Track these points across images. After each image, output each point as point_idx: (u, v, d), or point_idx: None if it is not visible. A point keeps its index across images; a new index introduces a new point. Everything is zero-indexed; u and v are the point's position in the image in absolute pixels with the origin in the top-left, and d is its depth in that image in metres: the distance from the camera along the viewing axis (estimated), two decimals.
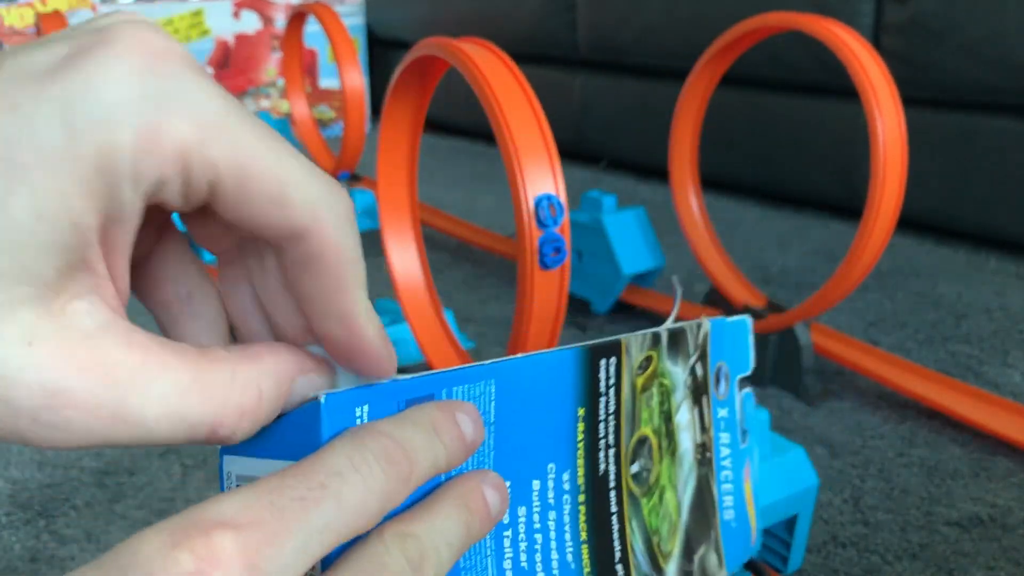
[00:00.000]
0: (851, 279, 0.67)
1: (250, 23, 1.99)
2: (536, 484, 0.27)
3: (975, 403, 0.69)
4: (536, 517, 0.27)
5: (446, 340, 0.69)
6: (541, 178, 0.49)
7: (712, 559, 0.35)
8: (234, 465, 0.22)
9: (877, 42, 1.17)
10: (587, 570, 0.29)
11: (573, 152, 1.71)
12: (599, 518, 0.29)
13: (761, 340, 0.77)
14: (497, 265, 1.13)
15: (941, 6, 1.10)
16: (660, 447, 0.32)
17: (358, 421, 0.21)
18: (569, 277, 0.51)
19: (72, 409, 0.17)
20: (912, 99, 1.02)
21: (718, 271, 0.85)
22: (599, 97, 1.65)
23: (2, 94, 0.16)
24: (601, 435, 0.29)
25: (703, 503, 0.35)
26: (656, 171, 1.52)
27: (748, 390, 0.39)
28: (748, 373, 0.38)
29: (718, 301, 0.85)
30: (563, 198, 0.50)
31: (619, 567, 0.30)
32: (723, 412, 0.37)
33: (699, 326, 0.35)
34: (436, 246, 1.20)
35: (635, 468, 0.31)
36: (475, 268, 1.12)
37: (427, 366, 0.70)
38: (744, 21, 0.74)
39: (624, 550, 0.30)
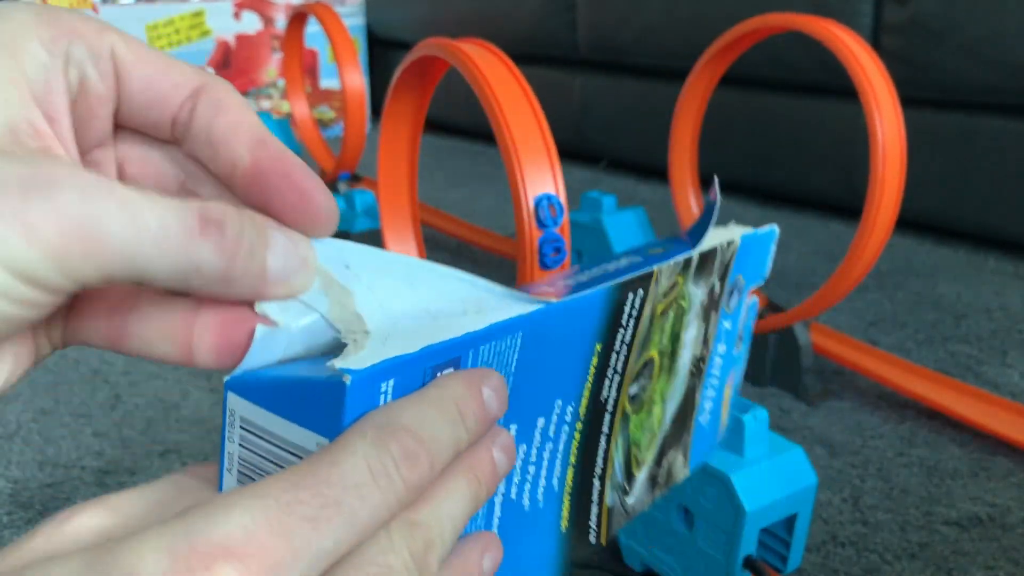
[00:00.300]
0: (851, 279, 0.68)
1: (251, 24, 2.00)
2: (541, 422, 0.26)
3: (974, 403, 0.69)
4: (534, 453, 0.26)
5: None
6: (541, 178, 0.50)
7: (679, 461, 0.36)
8: (240, 406, 0.20)
9: (877, 42, 1.17)
10: (568, 490, 0.28)
11: (573, 152, 1.71)
12: (590, 441, 0.29)
13: (761, 340, 0.77)
14: (497, 265, 1.13)
15: (941, 6, 1.10)
16: (661, 366, 0.32)
17: (382, 399, 0.20)
18: None
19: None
20: (912, 99, 1.02)
21: None
22: (599, 97, 1.65)
23: None
24: (611, 364, 0.29)
25: (685, 411, 0.35)
26: (656, 171, 1.52)
27: (755, 298, 0.39)
28: (762, 283, 0.38)
29: None
30: (563, 198, 0.50)
31: (596, 482, 0.30)
32: (727, 324, 0.37)
33: (730, 244, 0.35)
34: (436, 246, 1.20)
35: (634, 390, 0.31)
36: (475, 268, 1.12)
37: None
38: (744, 21, 0.75)
39: (605, 467, 0.30)
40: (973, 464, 0.64)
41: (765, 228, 0.37)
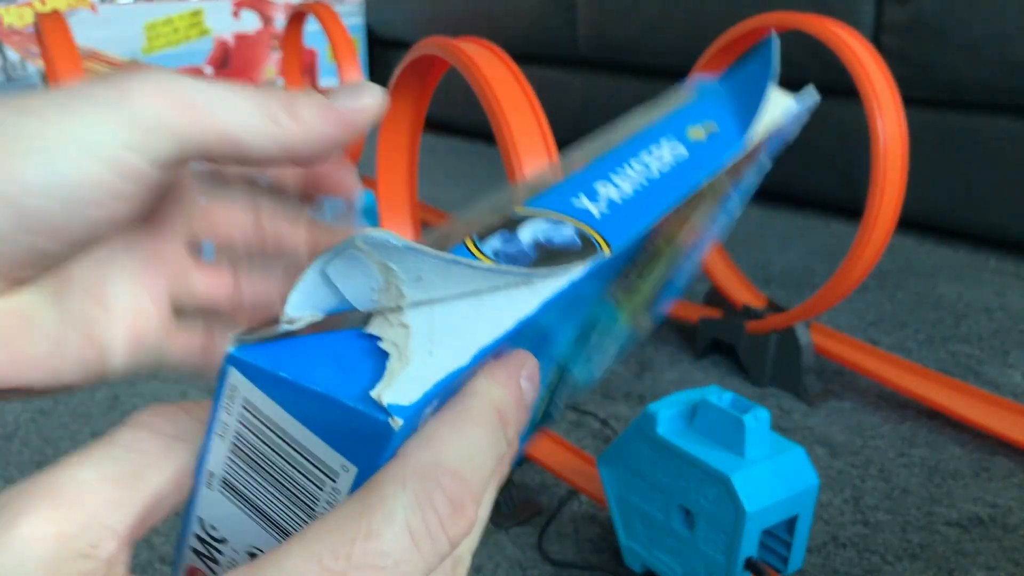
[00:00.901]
0: (851, 279, 0.67)
1: (250, 23, 1.99)
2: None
3: (975, 403, 0.69)
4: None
5: None
6: None
7: (646, 319, 0.30)
8: (245, 388, 0.18)
9: (877, 42, 1.17)
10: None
11: None
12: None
13: (761, 340, 0.77)
14: None
15: (941, 6, 1.10)
16: (659, 259, 0.27)
17: (425, 417, 0.18)
18: None
19: None
20: (912, 99, 1.02)
21: (718, 271, 0.85)
22: (599, 97, 1.64)
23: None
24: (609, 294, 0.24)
25: (663, 279, 0.30)
26: None
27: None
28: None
29: (718, 301, 0.85)
30: None
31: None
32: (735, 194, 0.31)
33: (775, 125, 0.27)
34: None
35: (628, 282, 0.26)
36: None
37: None
38: (744, 21, 0.74)
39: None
40: (974, 464, 0.64)
41: (805, 97, 0.29)
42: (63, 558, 0.17)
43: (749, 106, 0.28)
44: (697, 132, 0.27)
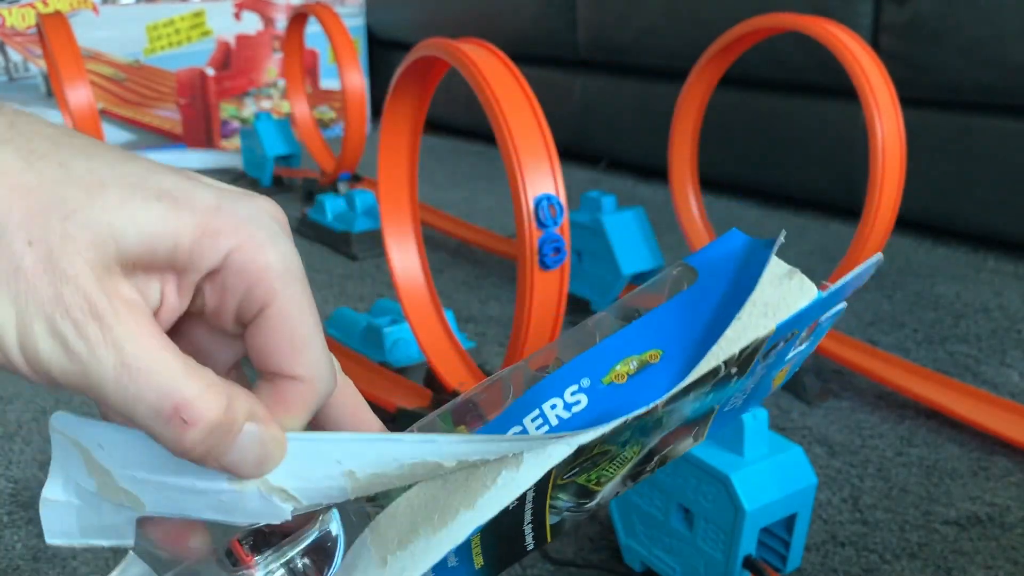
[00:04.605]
0: None
1: (251, 24, 2.00)
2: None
3: (973, 403, 0.69)
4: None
5: (446, 340, 0.69)
6: (541, 178, 0.50)
7: (683, 445, 0.29)
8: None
9: (876, 43, 1.17)
10: (476, 552, 0.26)
11: (573, 152, 1.71)
12: (500, 523, 0.25)
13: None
14: (497, 265, 1.13)
15: (940, 7, 1.10)
16: (629, 441, 0.26)
17: None
18: (569, 277, 0.51)
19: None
20: (911, 99, 1.02)
21: None
22: (599, 97, 1.65)
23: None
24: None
25: (687, 426, 0.28)
26: (656, 171, 1.52)
27: (841, 307, 0.30)
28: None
29: None
30: (563, 198, 0.50)
31: (526, 528, 0.26)
32: (769, 360, 0.28)
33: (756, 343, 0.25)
34: (436, 246, 1.20)
35: (574, 471, 0.25)
36: (475, 268, 1.13)
37: (429, 367, 0.70)
38: (744, 22, 0.75)
39: (536, 516, 0.26)
40: (972, 464, 0.65)
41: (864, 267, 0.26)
42: None
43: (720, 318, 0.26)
44: (626, 368, 0.26)
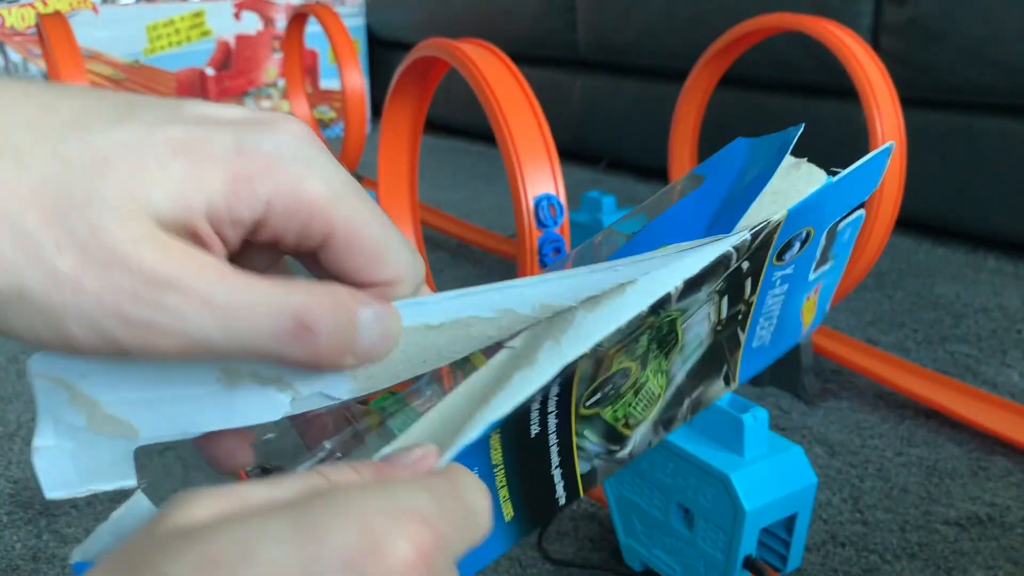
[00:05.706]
0: (850, 279, 0.68)
1: (251, 24, 2.00)
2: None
3: (973, 403, 0.69)
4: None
5: None
6: (541, 178, 0.50)
7: (715, 388, 0.30)
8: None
9: (876, 43, 1.17)
10: (504, 497, 0.26)
11: (573, 152, 1.71)
12: (522, 449, 0.25)
13: None
14: (497, 265, 1.13)
15: (940, 7, 1.10)
16: (647, 357, 0.27)
17: None
18: None
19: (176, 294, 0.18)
20: (911, 99, 1.02)
21: None
22: (599, 97, 1.65)
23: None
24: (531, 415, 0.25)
25: (713, 358, 0.29)
26: (656, 171, 1.52)
27: (858, 214, 0.31)
28: (863, 201, 0.29)
29: None
30: (563, 198, 0.50)
31: (554, 472, 0.27)
32: (788, 271, 0.29)
33: (767, 226, 0.26)
34: (436, 246, 1.20)
35: (596, 397, 0.26)
36: (475, 268, 1.13)
37: None
38: (744, 22, 0.75)
39: (564, 457, 0.27)
40: (972, 464, 0.65)
41: (875, 153, 0.27)
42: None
43: (733, 210, 0.27)
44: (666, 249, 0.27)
